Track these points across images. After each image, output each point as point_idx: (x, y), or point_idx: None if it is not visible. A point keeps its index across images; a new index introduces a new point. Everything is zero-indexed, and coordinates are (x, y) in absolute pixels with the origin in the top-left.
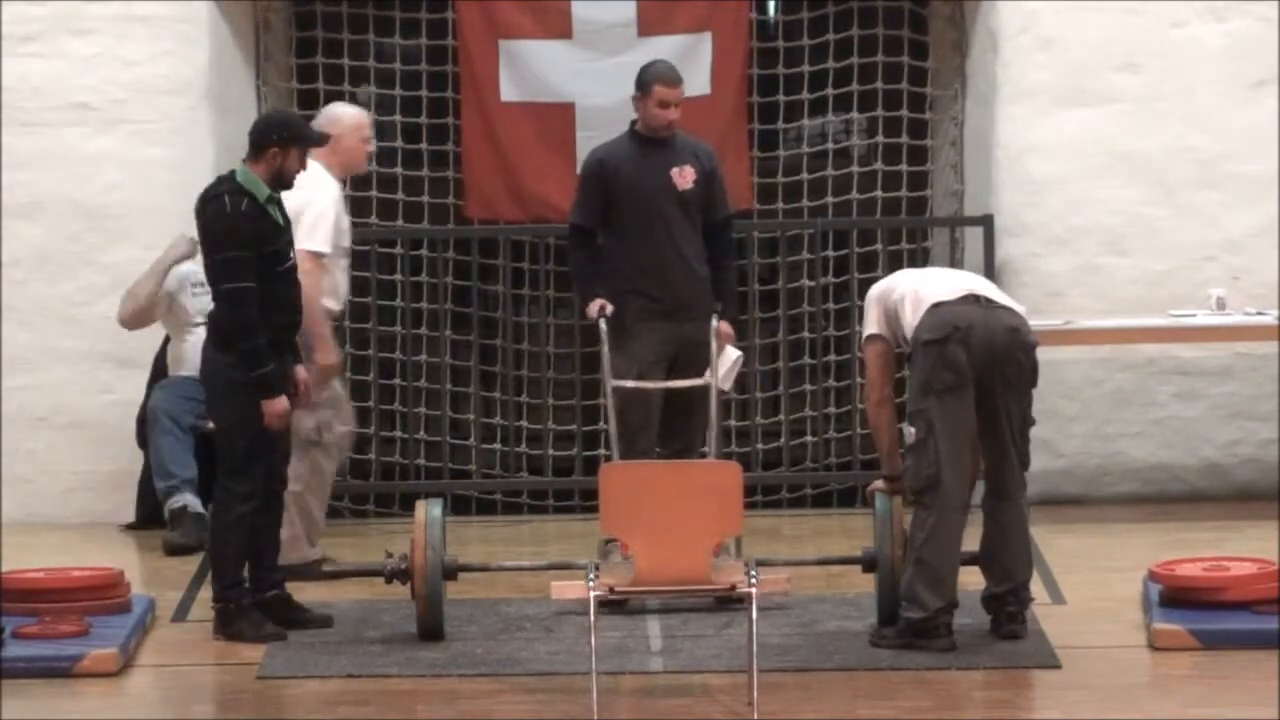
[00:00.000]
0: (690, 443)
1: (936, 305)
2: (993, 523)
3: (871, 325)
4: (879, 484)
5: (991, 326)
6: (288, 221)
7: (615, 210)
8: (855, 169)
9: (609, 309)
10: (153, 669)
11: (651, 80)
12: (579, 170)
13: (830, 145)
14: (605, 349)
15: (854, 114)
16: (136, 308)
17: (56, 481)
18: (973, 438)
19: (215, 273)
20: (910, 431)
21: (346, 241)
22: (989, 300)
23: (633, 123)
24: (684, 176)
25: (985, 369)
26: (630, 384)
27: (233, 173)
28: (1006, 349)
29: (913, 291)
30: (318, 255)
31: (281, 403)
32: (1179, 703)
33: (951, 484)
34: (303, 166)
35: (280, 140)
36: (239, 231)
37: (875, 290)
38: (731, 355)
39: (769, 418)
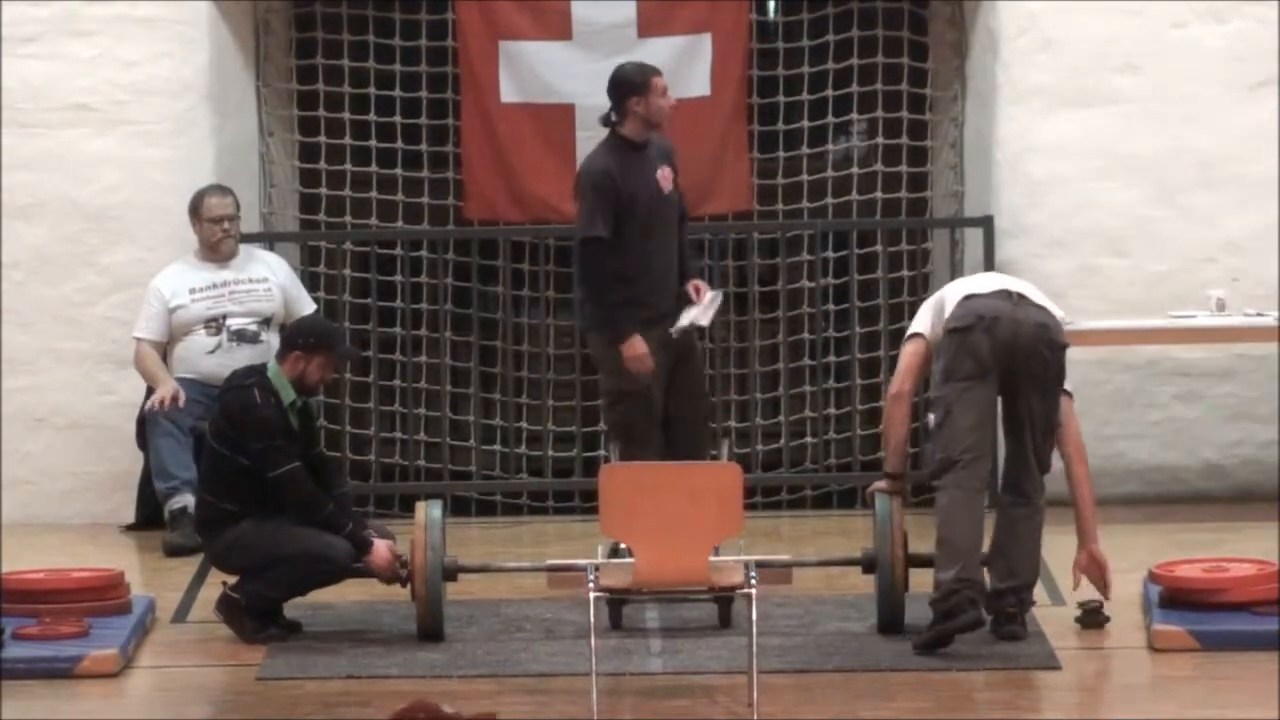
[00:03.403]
0: (701, 445)
1: (968, 297)
2: (1005, 520)
3: (917, 325)
4: (879, 484)
5: (1019, 319)
6: (305, 430)
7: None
8: (855, 170)
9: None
10: (152, 670)
11: (648, 74)
12: (582, 182)
13: (830, 147)
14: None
15: (854, 115)
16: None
17: (56, 483)
18: (994, 426)
19: (259, 461)
20: (931, 419)
21: None
22: (1021, 296)
23: (613, 130)
24: (666, 178)
25: (1008, 361)
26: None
27: (264, 367)
28: (1031, 343)
29: (959, 295)
30: None
31: (382, 549)
32: (1179, 704)
33: (970, 464)
34: (324, 378)
35: (305, 346)
36: (269, 421)
37: (933, 296)
38: (708, 294)
39: (769, 419)
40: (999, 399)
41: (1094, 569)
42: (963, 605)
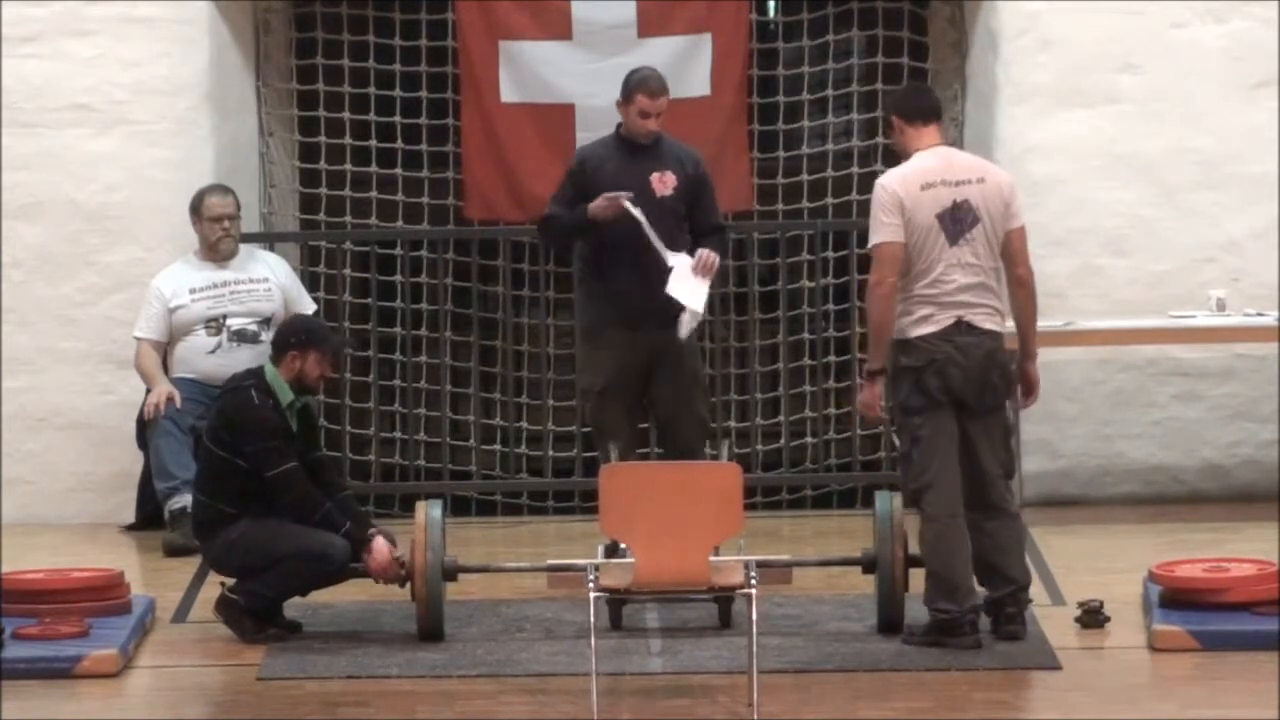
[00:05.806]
0: (689, 446)
1: (913, 339)
2: (984, 537)
3: (887, 234)
4: (869, 395)
5: (969, 355)
6: (306, 430)
7: None
8: (855, 170)
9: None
10: (152, 670)
11: (634, 89)
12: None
13: (830, 146)
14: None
15: (854, 115)
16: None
17: (56, 482)
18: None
19: (256, 461)
20: (898, 444)
21: None
22: (970, 326)
23: (619, 124)
24: (664, 182)
25: (961, 394)
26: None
27: (261, 369)
28: (981, 378)
29: (922, 268)
30: None
31: (381, 549)
32: (1179, 704)
33: (943, 491)
34: (323, 373)
35: (297, 344)
36: (266, 422)
37: (890, 198)
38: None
39: (769, 419)
40: (956, 424)
41: (1024, 383)
42: (964, 628)
